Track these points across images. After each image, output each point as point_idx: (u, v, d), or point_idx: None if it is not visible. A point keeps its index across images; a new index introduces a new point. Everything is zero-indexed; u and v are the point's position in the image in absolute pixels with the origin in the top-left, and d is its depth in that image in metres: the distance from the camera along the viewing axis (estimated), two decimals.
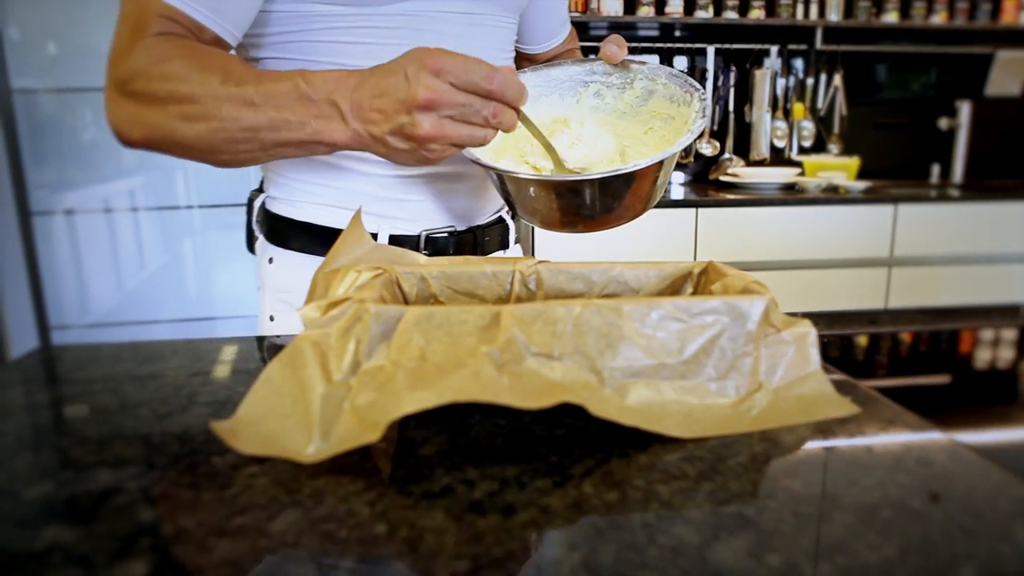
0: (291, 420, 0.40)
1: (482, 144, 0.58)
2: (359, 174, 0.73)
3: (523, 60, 0.93)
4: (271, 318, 0.79)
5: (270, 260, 0.78)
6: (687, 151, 2.80)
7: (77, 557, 0.30)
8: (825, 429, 0.44)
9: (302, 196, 0.76)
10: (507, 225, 0.86)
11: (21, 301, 2.38)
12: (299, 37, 0.67)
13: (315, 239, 0.75)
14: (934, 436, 0.44)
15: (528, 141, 0.71)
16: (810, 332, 0.47)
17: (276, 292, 0.78)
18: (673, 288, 0.55)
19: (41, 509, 0.34)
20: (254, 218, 0.82)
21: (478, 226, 0.80)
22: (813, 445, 0.42)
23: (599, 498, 0.35)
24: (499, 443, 0.41)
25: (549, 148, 0.65)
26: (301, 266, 0.76)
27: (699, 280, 0.55)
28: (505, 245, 0.86)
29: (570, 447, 0.41)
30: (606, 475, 0.38)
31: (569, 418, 0.44)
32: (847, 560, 0.31)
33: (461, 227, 0.78)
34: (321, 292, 0.51)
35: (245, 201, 0.87)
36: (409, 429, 0.43)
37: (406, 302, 0.52)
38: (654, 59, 2.75)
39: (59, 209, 2.37)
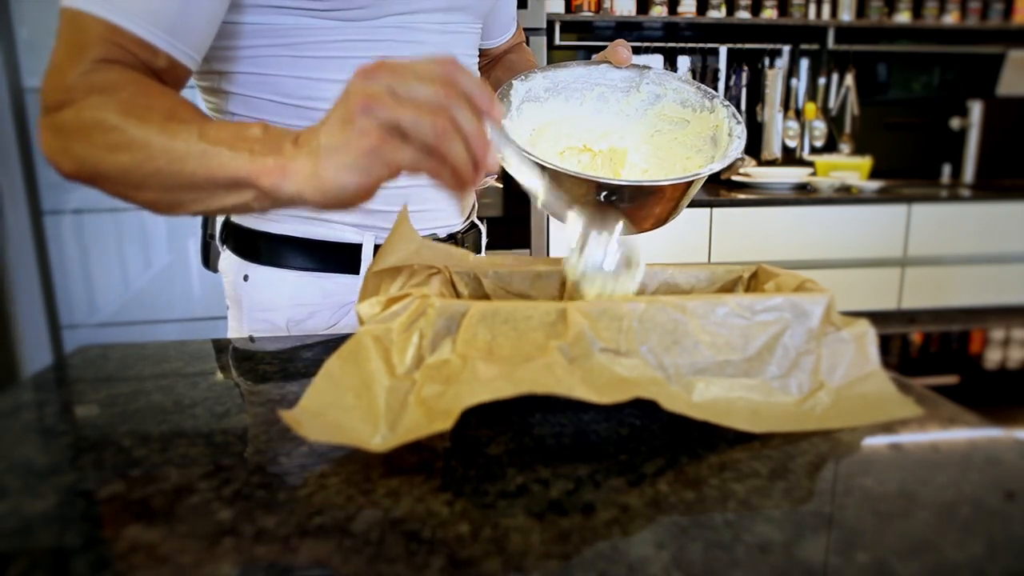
0: (355, 412, 0.40)
1: (435, 143, 0.42)
2: None
3: (479, 57, 0.94)
4: (251, 339, 0.71)
5: (245, 278, 0.74)
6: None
7: (162, 557, 0.30)
8: (886, 427, 0.44)
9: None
10: (480, 231, 0.85)
11: (33, 301, 2.38)
12: (273, 52, 0.63)
13: (295, 254, 0.71)
14: (997, 434, 0.43)
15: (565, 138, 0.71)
16: (869, 331, 0.46)
17: (254, 311, 0.73)
18: (724, 291, 0.55)
19: (117, 509, 0.34)
20: (216, 233, 0.78)
21: (457, 232, 0.79)
22: (878, 443, 0.42)
23: (676, 496, 0.35)
24: (565, 442, 0.41)
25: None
26: (281, 282, 0.72)
27: (749, 284, 0.55)
28: (478, 250, 0.85)
29: (637, 446, 0.40)
30: (679, 474, 0.37)
31: (631, 417, 0.44)
32: (935, 558, 0.30)
33: (442, 234, 0.77)
34: (372, 291, 0.50)
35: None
36: (471, 428, 0.43)
37: None
38: (660, 59, 2.74)
39: (68, 208, 2.37)
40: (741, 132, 0.64)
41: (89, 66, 0.51)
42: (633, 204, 0.61)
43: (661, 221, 0.66)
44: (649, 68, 0.75)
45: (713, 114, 0.69)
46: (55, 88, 0.52)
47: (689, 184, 0.61)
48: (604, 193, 0.60)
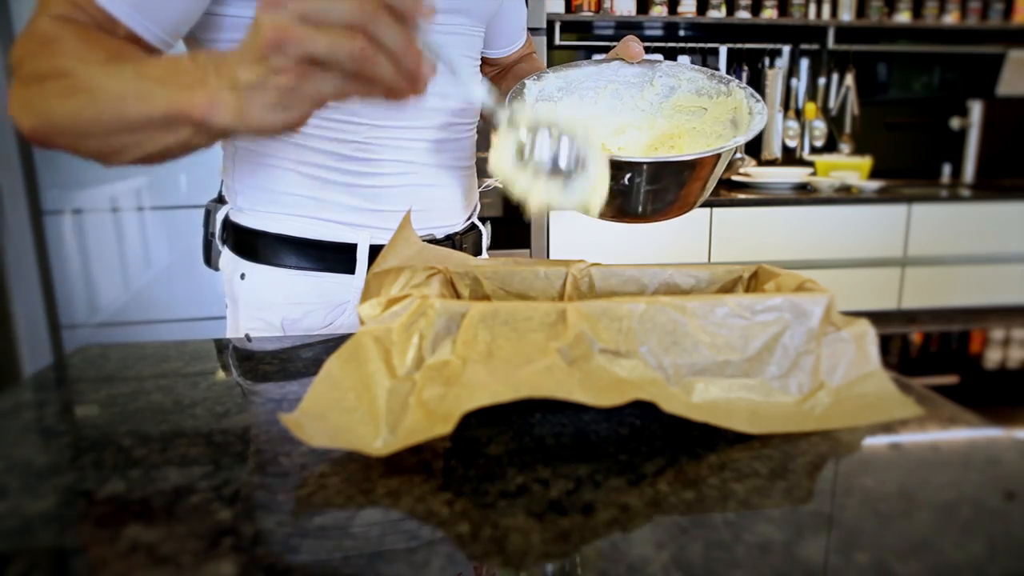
0: (356, 414, 0.40)
1: (356, 67, 0.40)
2: (337, 184, 0.70)
3: (487, 66, 0.94)
4: (248, 337, 0.69)
5: (242, 276, 0.74)
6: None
7: (163, 557, 0.30)
8: (886, 427, 0.44)
9: (275, 207, 0.71)
10: (480, 232, 0.85)
11: (33, 301, 2.38)
12: None
13: (291, 252, 0.71)
14: (997, 434, 0.43)
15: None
16: (869, 331, 0.46)
17: (251, 310, 0.74)
18: (724, 292, 0.55)
19: (117, 509, 0.34)
20: (217, 231, 0.78)
21: (455, 233, 0.79)
22: (878, 443, 0.42)
23: (676, 496, 0.35)
24: (565, 442, 0.41)
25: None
26: (277, 282, 0.72)
27: (749, 284, 0.55)
28: (479, 251, 0.85)
29: (638, 446, 0.40)
30: (679, 473, 0.37)
31: (631, 417, 0.44)
32: (936, 558, 0.30)
33: (440, 235, 0.77)
34: (374, 292, 0.50)
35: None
36: (471, 428, 0.43)
37: None
38: (660, 59, 2.74)
39: (68, 208, 2.37)
40: (761, 108, 0.65)
41: (47, 21, 0.53)
42: (654, 185, 0.61)
43: (687, 204, 0.66)
44: (661, 62, 0.75)
45: (731, 97, 0.70)
46: (16, 45, 0.53)
47: (715, 162, 0.62)
48: (628, 175, 0.60)
